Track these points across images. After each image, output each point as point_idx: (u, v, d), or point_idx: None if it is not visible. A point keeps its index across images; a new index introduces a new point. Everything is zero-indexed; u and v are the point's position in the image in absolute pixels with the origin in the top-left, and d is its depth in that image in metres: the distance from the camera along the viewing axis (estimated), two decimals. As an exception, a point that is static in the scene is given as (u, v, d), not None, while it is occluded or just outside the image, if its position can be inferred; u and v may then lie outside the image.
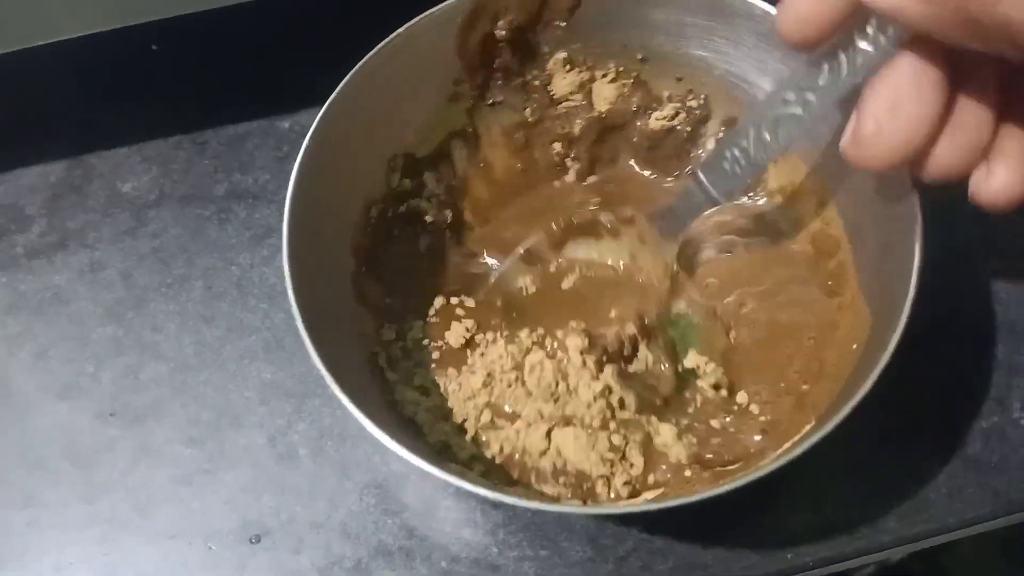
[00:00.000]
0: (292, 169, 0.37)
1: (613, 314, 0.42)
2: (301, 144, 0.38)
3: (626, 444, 0.39)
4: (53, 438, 0.44)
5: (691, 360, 0.42)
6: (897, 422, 0.41)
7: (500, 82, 0.45)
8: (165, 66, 0.53)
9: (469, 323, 0.43)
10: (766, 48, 0.41)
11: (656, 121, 0.46)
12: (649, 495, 0.38)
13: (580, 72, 0.45)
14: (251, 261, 0.48)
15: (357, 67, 0.39)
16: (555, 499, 0.38)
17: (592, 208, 0.46)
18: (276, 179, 0.50)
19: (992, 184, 0.29)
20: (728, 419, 0.40)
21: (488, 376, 0.41)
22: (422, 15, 0.40)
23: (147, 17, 0.43)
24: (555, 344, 0.41)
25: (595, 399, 0.39)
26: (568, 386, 0.40)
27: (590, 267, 0.44)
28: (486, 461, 0.39)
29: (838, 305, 0.41)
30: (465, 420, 0.40)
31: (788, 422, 0.39)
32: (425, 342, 0.43)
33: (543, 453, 0.39)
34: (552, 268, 0.44)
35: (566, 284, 0.44)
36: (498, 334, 0.42)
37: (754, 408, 0.40)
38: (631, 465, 0.38)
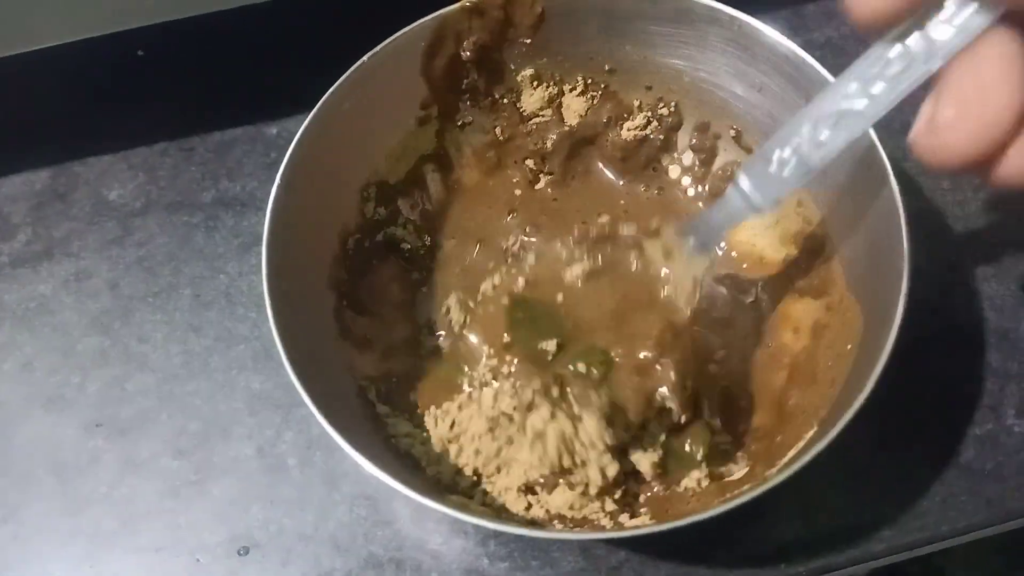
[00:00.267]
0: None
1: (638, 345, 0.38)
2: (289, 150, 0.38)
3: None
4: (38, 450, 0.43)
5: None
6: (891, 430, 0.41)
7: (468, 102, 0.45)
8: (151, 72, 0.52)
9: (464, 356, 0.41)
10: (734, 52, 0.41)
11: (628, 131, 0.46)
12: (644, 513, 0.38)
13: (548, 87, 0.45)
14: (239, 269, 0.47)
15: (322, 100, 0.39)
16: (556, 528, 0.37)
17: (607, 220, 0.43)
18: (264, 186, 0.49)
19: None
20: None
21: (489, 421, 0.38)
22: (384, 42, 0.40)
23: (133, 23, 0.43)
24: (561, 397, 0.36)
25: (604, 476, 0.36)
26: (574, 460, 0.36)
27: (610, 282, 0.40)
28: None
29: (826, 305, 0.41)
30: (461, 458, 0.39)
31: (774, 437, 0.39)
32: (415, 374, 0.42)
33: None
34: (566, 280, 0.40)
35: (575, 298, 0.40)
36: (496, 373, 0.39)
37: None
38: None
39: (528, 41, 0.43)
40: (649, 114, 0.45)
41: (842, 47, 0.51)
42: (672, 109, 0.45)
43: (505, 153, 0.46)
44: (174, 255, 0.48)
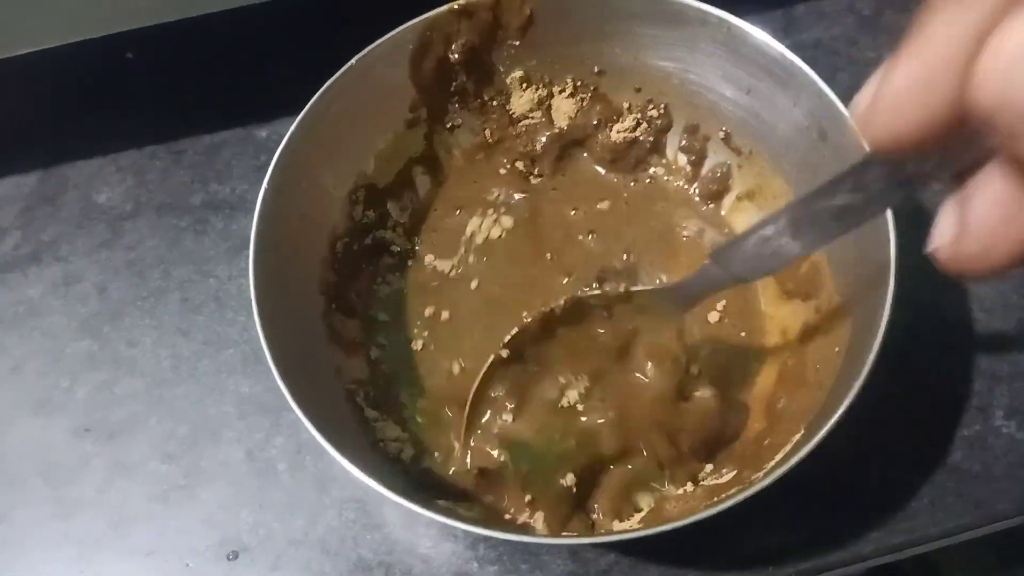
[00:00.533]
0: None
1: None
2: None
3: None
4: (27, 455, 0.43)
5: None
6: (879, 431, 0.41)
7: (457, 105, 0.45)
8: (140, 74, 0.52)
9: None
10: (723, 54, 0.41)
11: (618, 133, 0.46)
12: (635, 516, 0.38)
13: (538, 89, 0.45)
14: (229, 273, 0.47)
15: (310, 103, 0.39)
16: (544, 532, 0.37)
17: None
18: (254, 188, 0.48)
19: None
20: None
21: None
22: (372, 45, 0.40)
23: (122, 26, 0.43)
24: None
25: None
26: None
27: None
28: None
29: (815, 308, 0.41)
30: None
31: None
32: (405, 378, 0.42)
33: None
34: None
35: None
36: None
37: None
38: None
39: (517, 43, 0.43)
40: (639, 116, 0.45)
41: (832, 48, 0.51)
42: (662, 111, 0.45)
43: (495, 155, 0.46)
44: (163, 258, 0.48)
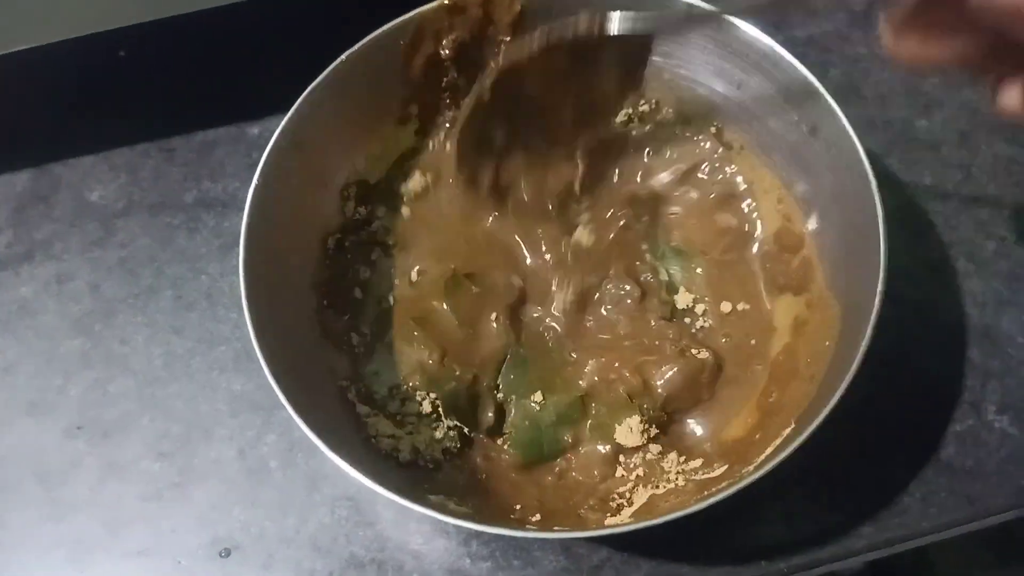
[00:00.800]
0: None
1: None
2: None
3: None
4: (20, 455, 0.43)
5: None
6: (872, 427, 0.41)
7: (449, 100, 0.44)
8: (132, 72, 0.52)
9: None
10: (714, 49, 0.41)
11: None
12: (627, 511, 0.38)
13: (529, 84, 0.45)
14: (221, 270, 0.47)
15: (300, 99, 0.39)
16: (536, 528, 0.37)
17: None
18: (246, 186, 0.47)
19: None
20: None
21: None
22: (362, 41, 0.40)
23: (114, 24, 0.43)
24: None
25: None
26: None
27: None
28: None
29: (806, 302, 0.41)
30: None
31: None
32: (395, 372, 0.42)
33: None
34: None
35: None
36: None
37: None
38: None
39: (508, 39, 0.43)
40: (630, 111, 0.45)
41: (824, 44, 0.51)
42: (653, 105, 0.45)
43: None
44: (156, 256, 0.47)
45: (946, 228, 0.45)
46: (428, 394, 0.41)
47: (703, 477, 0.38)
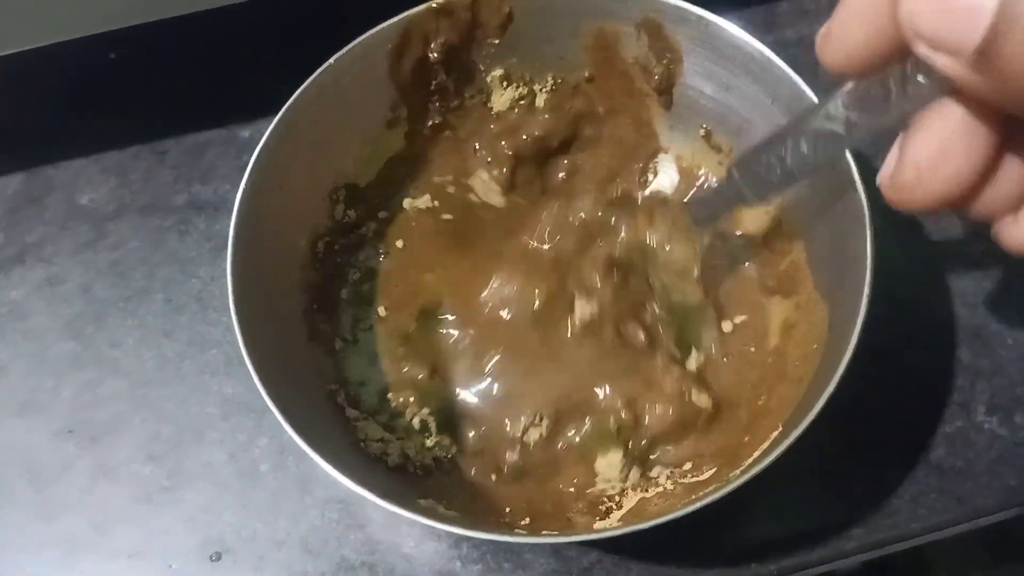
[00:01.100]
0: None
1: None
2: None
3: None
4: (10, 457, 0.43)
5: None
6: (861, 428, 0.41)
7: (438, 103, 0.44)
8: (123, 75, 0.52)
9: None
10: (702, 51, 0.40)
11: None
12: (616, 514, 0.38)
13: (519, 87, 0.45)
14: (211, 273, 0.47)
15: (289, 102, 0.39)
16: (525, 532, 0.37)
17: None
18: (237, 189, 0.48)
19: (1018, 233, 0.26)
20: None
21: None
22: (350, 44, 0.40)
23: (105, 26, 0.43)
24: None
25: None
26: None
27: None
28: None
29: (795, 304, 0.41)
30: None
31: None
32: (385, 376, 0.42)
33: None
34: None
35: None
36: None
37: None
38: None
39: (496, 41, 0.43)
40: None
41: (814, 45, 0.50)
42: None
43: (475, 152, 0.46)
44: (147, 259, 0.47)
45: (936, 228, 0.45)
46: (420, 409, 0.41)
47: (692, 480, 0.38)
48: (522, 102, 0.45)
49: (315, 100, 0.39)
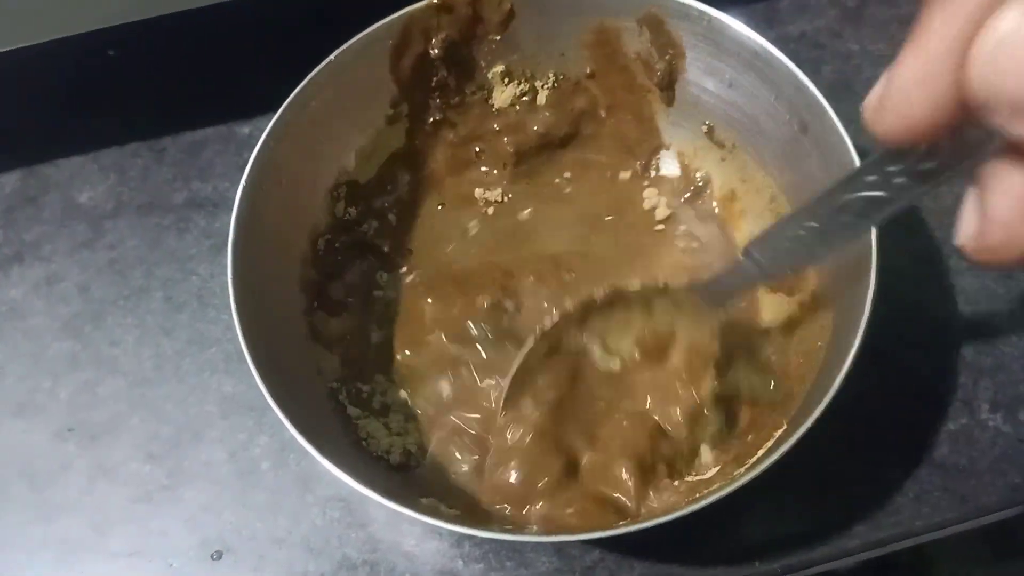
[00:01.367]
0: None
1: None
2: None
3: None
4: (9, 457, 0.43)
5: None
6: (864, 427, 0.41)
7: (439, 100, 0.44)
8: (122, 72, 0.52)
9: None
10: (705, 47, 0.40)
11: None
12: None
13: (520, 83, 0.44)
14: (211, 271, 0.47)
15: (289, 99, 0.39)
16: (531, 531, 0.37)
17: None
18: (236, 186, 0.47)
19: None
20: None
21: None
22: (351, 40, 0.39)
23: (103, 23, 0.42)
24: None
25: None
26: None
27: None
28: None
29: (798, 302, 0.41)
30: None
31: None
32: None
33: None
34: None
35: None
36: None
37: None
38: None
39: (498, 38, 0.43)
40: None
41: (816, 41, 0.50)
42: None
43: (476, 150, 0.46)
44: (145, 257, 0.47)
45: (939, 225, 0.45)
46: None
47: (695, 479, 0.38)
48: (523, 98, 0.45)
49: (315, 97, 0.39)
